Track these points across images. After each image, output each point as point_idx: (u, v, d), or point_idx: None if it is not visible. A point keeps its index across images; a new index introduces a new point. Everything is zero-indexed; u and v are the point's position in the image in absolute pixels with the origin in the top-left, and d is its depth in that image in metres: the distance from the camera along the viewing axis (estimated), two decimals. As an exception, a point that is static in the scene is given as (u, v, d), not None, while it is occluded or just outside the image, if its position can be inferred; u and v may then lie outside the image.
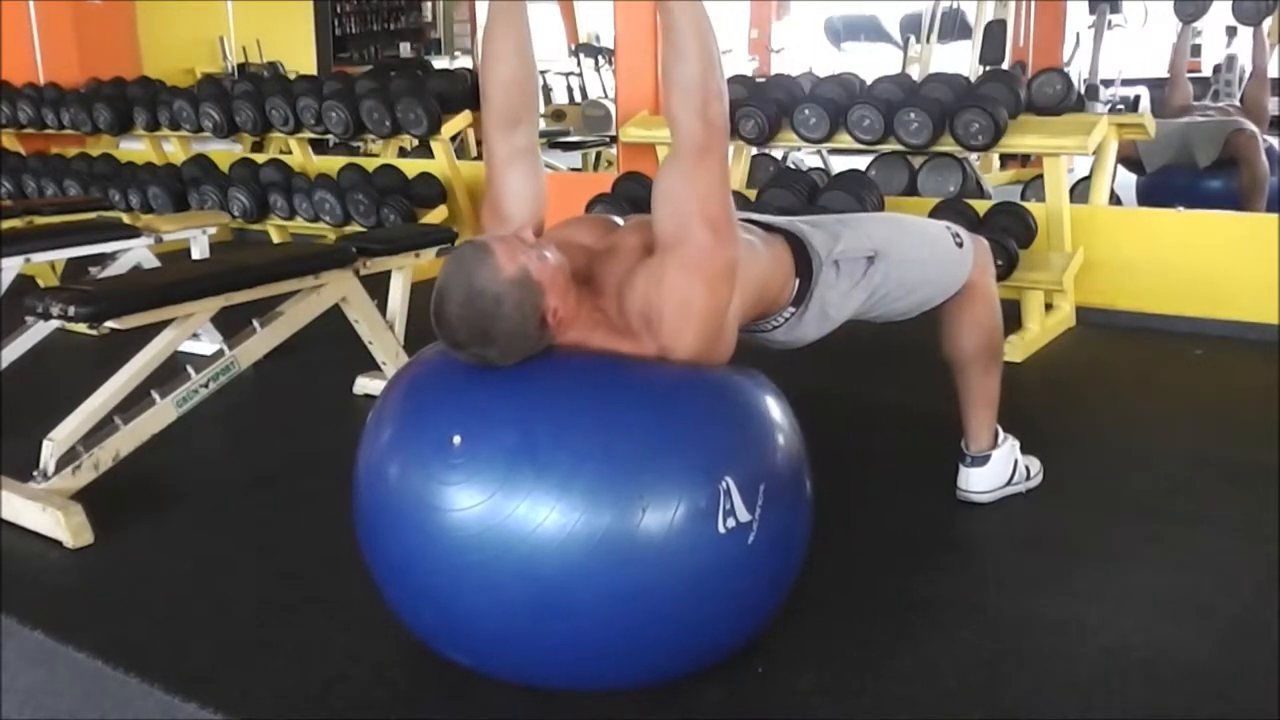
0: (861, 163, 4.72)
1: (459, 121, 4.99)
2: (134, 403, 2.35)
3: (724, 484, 1.44)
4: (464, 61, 8.97)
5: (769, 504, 1.49)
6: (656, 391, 1.52)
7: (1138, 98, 6.54)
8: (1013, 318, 3.13)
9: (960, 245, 2.09)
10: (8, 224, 3.67)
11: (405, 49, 11.29)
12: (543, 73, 5.86)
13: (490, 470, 1.42)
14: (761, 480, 1.50)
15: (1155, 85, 6.40)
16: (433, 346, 1.68)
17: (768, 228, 1.97)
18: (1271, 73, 5.89)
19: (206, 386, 2.41)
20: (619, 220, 1.85)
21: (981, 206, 3.73)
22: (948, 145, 3.83)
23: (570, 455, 1.43)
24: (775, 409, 1.61)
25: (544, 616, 1.44)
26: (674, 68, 1.59)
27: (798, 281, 1.92)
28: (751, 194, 3.99)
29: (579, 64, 5.73)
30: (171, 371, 2.41)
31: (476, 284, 1.47)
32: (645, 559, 1.42)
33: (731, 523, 1.45)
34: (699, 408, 1.52)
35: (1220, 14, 5.69)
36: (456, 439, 1.45)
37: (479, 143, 5.29)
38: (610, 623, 1.45)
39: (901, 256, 2.00)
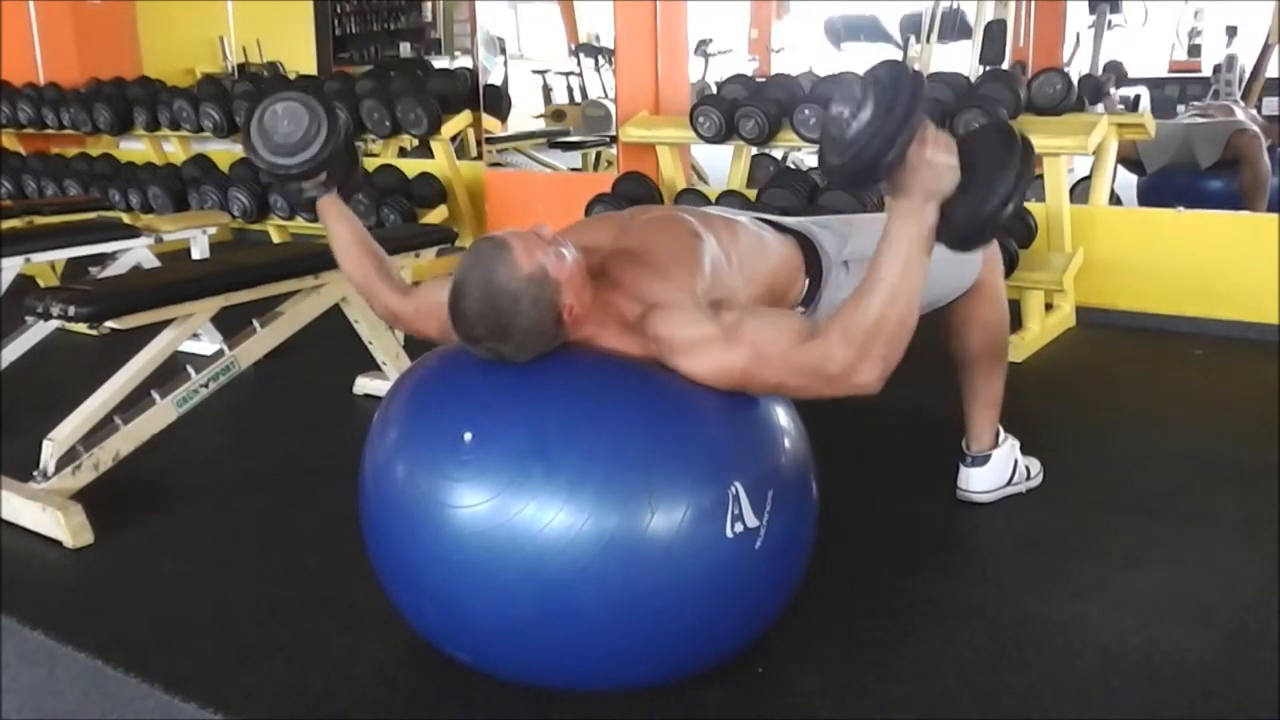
0: (861, 163, 4.71)
1: (459, 121, 5.00)
2: (134, 403, 2.35)
3: (733, 489, 1.44)
4: (464, 61, 8.96)
5: (777, 509, 1.49)
6: (667, 395, 1.52)
7: (1138, 98, 6.54)
8: (1013, 318, 3.12)
9: None
10: (8, 224, 3.67)
11: (405, 49, 11.28)
12: (543, 73, 5.86)
13: (500, 468, 1.42)
14: (770, 486, 1.50)
15: (1155, 85, 6.40)
16: (440, 347, 1.69)
17: (779, 228, 1.98)
18: (1271, 73, 5.90)
19: (206, 386, 2.41)
20: (628, 215, 1.84)
21: (981, 206, 3.72)
22: (948, 145, 3.82)
23: (580, 456, 1.43)
24: (783, 415, 1.61)
25: (549, 615, 1.44)
26: (862, 295, 1.48)
27: (807, 281, 1.93)
28: (751, 194, 3.99)
29: (579, 64, 5.71)
30: (171, 371, 2.41)
31: (495, 280, 1.47)
32: (652, 561, 1.42)
33: (739, 527, 1.45)
34: (709, 412, 1.52)
35: (1221, 14, 5.70)
36: (467, 436, 1.45)
37: (479, 142, 5.29)
38: (615, 624, 1.45)
39: None
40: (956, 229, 1.55)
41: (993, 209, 1.52)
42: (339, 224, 2.03)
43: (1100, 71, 6.36)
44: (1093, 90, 5.40)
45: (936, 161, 1.48)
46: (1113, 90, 5.57)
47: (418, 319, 1.83)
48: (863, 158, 1.46)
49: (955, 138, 1.53)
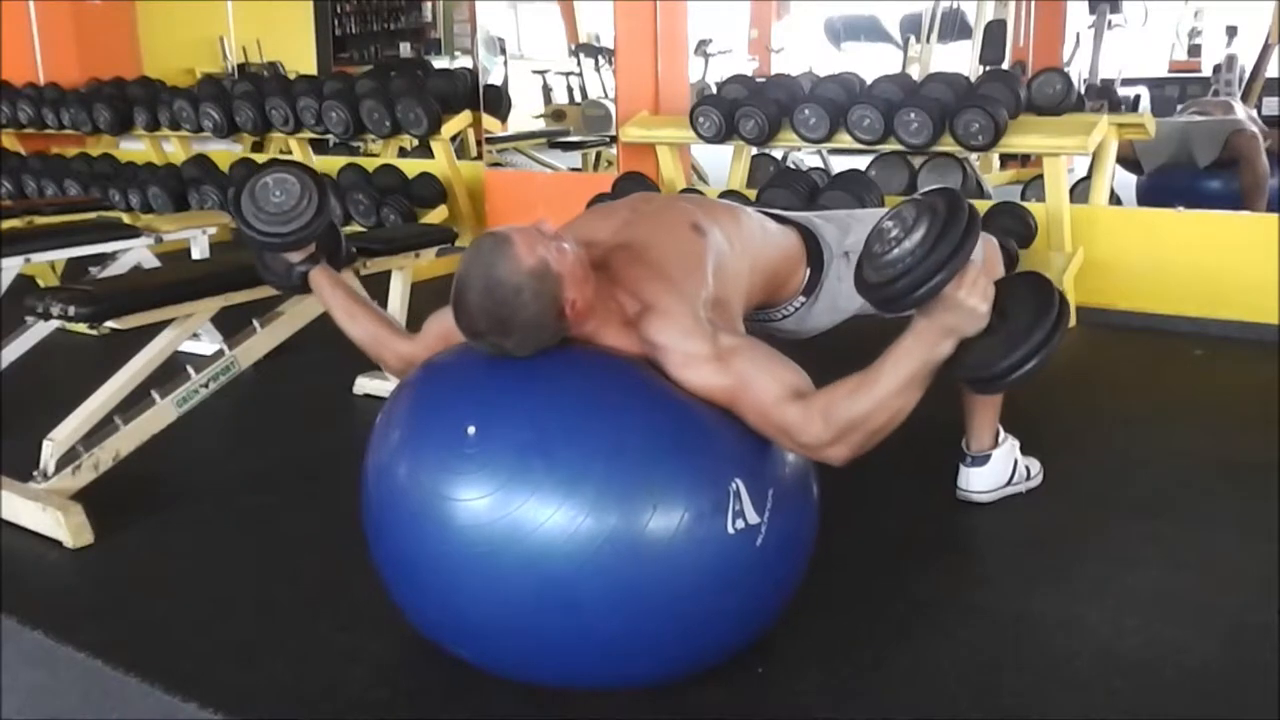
0: (861, 163, 4.73)
1: (459, 121, 5.00)
2: (134, 403, 2.35)
3: (734, 485, 1.45)
4: (464, 61, 8.97)
5: (778, 507, 1.49)
6: (669, 392, 1.52)
7: (1138, 97, 6.54)
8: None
9: None
10: (8, 224, 3.67)
11: (405, 49, 11.30)
12: (543, 73, 5.87)
13: (502, 462, 1.43)
14: (771, 484, 1.50)
15: (1155, 85, 6.40)
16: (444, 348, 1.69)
17: (781, 220, 1.99)
18: (1271, 73, 5.90)
19: (206, 386, 2.41)
20: (630, 207, 1.84)
21: (981, 206, 3.73)
22: (948, 145, 3.83)
23: (582, 452, 1.43)
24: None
25: (549, 610, 1.44)
26: (856, 391, 1.49)
27: (808, 271, 1.94)
28: (751, 194, 3.99)
29: (579, 64, 5.72)
30: (171, 371, 2.41)
31: (496, 274, 1.47)
32: (652, 557, 1.42)
33: (741, 524, 1.45)
34: (710, 409, 1.52)
35: (1221, 14, 5.70)
36: (471, 429, 1.45)
37: (479, 143, 5.30)
38: (616, 619, 1.45)
39: None
40: (968, 370, 1.54)
41: (1009, 365, 1.51)
42: (336, 290, 2.04)
43: (1098, 81, 6.37)
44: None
45: (968, 304, 1.47)
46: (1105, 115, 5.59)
47: (429, 354, 1.80)
48: (898, 285, 1.46)
49: (995, 283, 1.51)
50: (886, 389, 1.48)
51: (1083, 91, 5.35)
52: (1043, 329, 1.52)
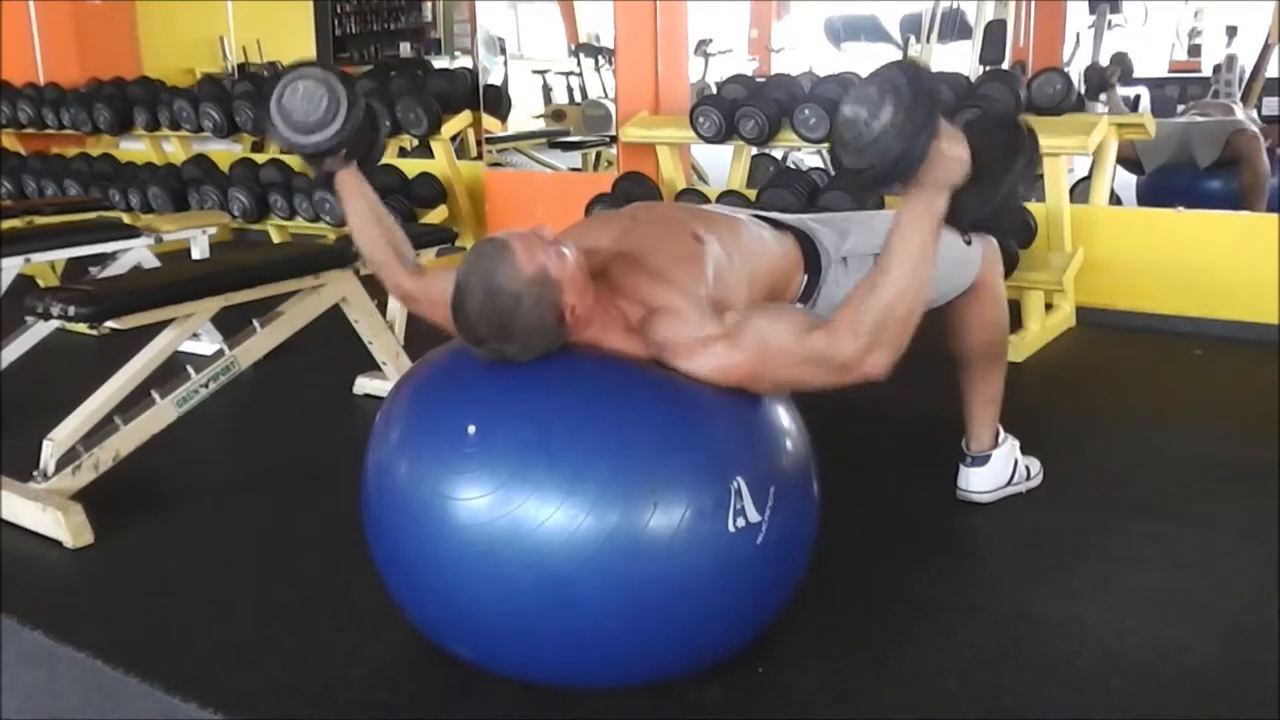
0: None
1: (459, 121, 5.00)
2: (134, 403, 2.35)
3: (735, 484, 1.45)
4: (464, 61, 8.97)
5: (779, 505, 1.49)
6: (671, 390, 1.52)
7: (1138, 98, 6.54)
8: (1013, 318, 3.11)
9: (969, 243, 2.09)
10: (8, 224, 3.67)
11: (405, 49, 11.29)
12: (543, 73, 5.86)
13: (503, 461, 1.43)
14: (772, 482, 1.50)
15: (1155, 85, 6.40)
16: (443, 346, 1.69)
17: (777, 224, 1.98)
18: (1271, 73, 5.90)
19: (206, 386, 2.41)
20: (629, 215, 1.84)
21: (981, 207, 3.72)
22: (948, 145, 3.82)
23: (584, 450, 1.43)
24: (785, 413, 1.61)
25: (550, 609, 1.44)
26: (873, 287, 1.48)
27: (806, 277, 1.94)
28: (751, 194, 3.99)
29: (579, 64, 5.71)
30: (171, 371, 2.41)
31: (496, 281, 1.48)
32: (654, 555, 1.42)
33: (741, 522, 1.45)
34: (713, 408, 1.52)
35: (1221, 14, 5.69)
36: (471, 429, 1.46)
37: (479, 142, 5.30)
38: (616, 618, 1.45)
39: None
40: (967, 216, 1.58)
41: (1002, 195, 1.58)
42: (356, 200, 2.01)
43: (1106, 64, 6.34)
44: (1098, 81, 5.38)
45: (952, 153, 1.49)
46: (1117, 83, 5.54)
47: (427, 306, 1.82)
48: (888, 158, 1.47)
49: (962, 129, 1.55)
50: (901, 272, 1.48)
51: (1083, 92, 5.33)
52: (1022, 156, 1.59)
